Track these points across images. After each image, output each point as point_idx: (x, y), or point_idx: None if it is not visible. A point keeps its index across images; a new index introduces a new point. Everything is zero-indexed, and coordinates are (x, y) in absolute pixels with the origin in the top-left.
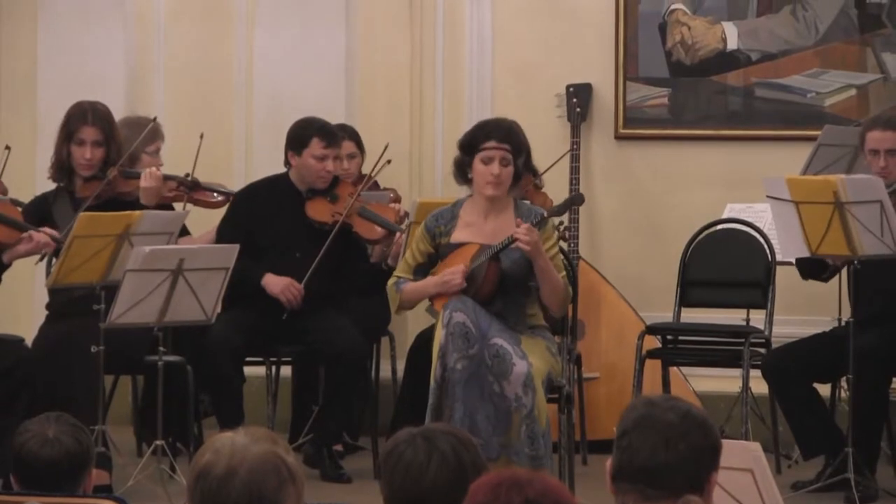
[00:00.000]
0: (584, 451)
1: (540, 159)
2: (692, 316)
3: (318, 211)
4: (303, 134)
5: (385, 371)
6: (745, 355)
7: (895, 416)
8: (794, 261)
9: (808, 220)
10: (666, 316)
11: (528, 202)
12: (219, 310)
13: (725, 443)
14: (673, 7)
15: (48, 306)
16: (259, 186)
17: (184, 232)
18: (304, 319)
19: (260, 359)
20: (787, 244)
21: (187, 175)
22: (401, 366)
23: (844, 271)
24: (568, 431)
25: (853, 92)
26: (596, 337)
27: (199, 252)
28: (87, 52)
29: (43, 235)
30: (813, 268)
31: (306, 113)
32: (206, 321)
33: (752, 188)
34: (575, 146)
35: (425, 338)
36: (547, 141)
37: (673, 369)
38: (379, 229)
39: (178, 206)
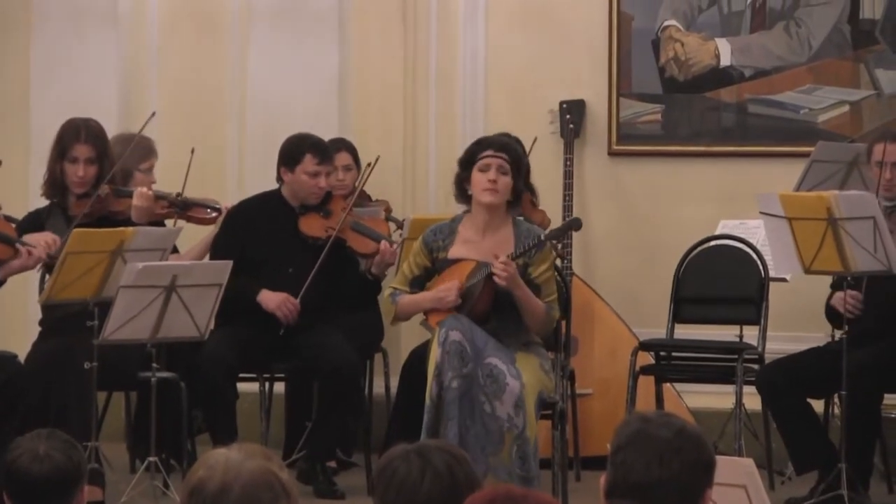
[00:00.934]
0: (577, 468)
1: (533, 176)
2: (685, 332)
3: (312, 226)
4: (296, 150)
5: (378, 387)
6: (738, 371)
7: (888, 432)
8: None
9: (801, 236)
10: (659, 332)
11: (523, 220)
12: (212, 326)
13: (719, 459)
14: (666, 23)
15: (41, 322)
16: (251, 203)
17: (173, 250)
18: (298, 336)
19: (253, 375)
20: (780, 260)
21: (178, 195)
22: (394, 382)
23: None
24: (561, 447)
25: (846, 108)
26: (589, 353)
27: (192, 268)
28: (81, 69)
29: (36, 250)
30: (837, 318)
31: (299, 129)
32: (200, 337)
33: (745, 204)
34: (568, 162)
35: (419, 354)
36: (540, 157)
37: (666, 385)
38: (372, 243)
39: (168, 223)
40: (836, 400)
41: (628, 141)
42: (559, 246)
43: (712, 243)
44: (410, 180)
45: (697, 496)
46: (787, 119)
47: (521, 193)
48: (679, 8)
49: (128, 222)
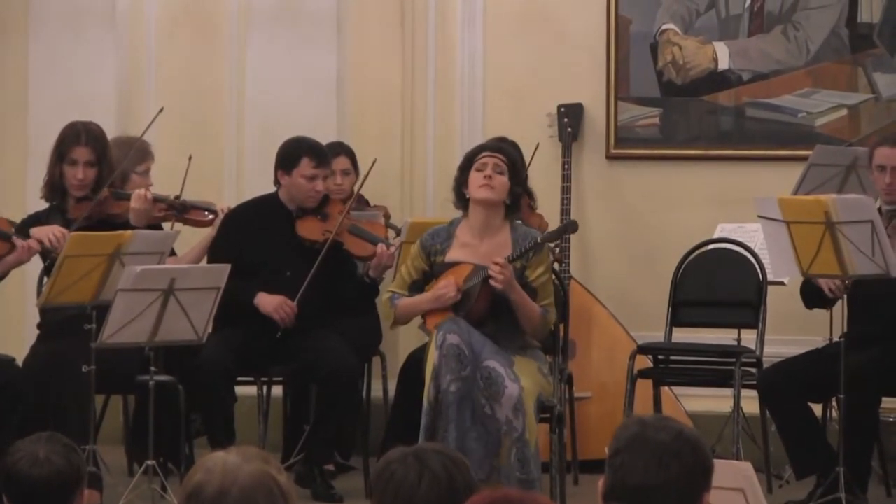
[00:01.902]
0: (575, 471)
1: (531, 179)
2: (683, 336)
3: (309, 229)
4: (293, 153)
5: (376, 391)
6: (736, 375)
7: (886, 436)
8: (799, 293)
9: (799, 239)
10: (657, 336)
11: (521, 224)
12: (210, 330)
13: (717, 463)
14: (664, 27)
15: (39, 326)
16: (249, 206)
17: (171, 253)
18: (296, 339)
19: (251, 379)
20: (778, 264)
21: (176, 197)
22: (392, 385)
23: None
24: (559, 451)
25: (844, 112)
26: (587, 357)
27: (190, 272)
28: (79, 72)
29: (31, 242)
30: (814, 297)
31: (297, 132)
32: (198, 341)
33: (743, 208)
34: (566, 166)
35: (417, 357)
36: (539, 161)
37: (664, 389)
38: (370, 246)
39: (166, 225)
40: (835, 403)
41: (626, 144)
42: (557, 250)
43: (710, 247)
44: (409, 184)
45: (696, 500)
46: (785, 123)
47: (519, 198)
48: (677, 12)
49: (126, 225)
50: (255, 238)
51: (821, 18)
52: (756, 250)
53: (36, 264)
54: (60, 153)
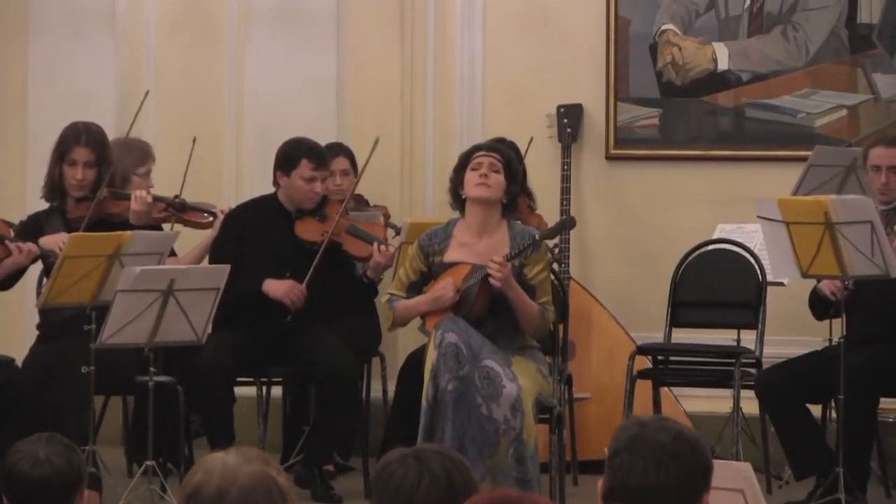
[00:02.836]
0: (574, 472)
1: (531, 180)
2: (683, 336)
3: (308, 230)
4: (292, 155)
5: (376, 391)
6: (735, 375)
7: (885, 436)
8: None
9: (798, 240)
10: (657, 336)
11: (518, 223)
12: (209, 330)
13: (716, 463)
14: (664, 28)
15: (39, 326)
16: (248, 207)
17: (170, 253)
18: (295, 340)
19: (251, 379)
20: (777, 265)
21: (176, 196)
22: (391, 386)
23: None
24: (559, 452)
25: (844, 112)
26: (587, 357)
27: (189, 272)
28: (78, 73)
29: (29, 244)
30: (821, 306)
31: (296, 133)
32: (197, 341)
33: (742, 209)
34: (566, 167)
35: (416, 358)
36: (538, 161)
37: (664, 389)
38: (368, 247)
39: (165, 226)
40: (834, 404)
41: (626, 145)
42: (556, 250)
43: (710, 247)
44: (408, 184)
45: (695, 500)
46: (784, 123)
47: (516, 197)
48: (677, 12)
49: (125, 225)
50: (254, 239)
51: (820, 19)
52: (756, 251)
53: (35, 264)
54: (60, 153)
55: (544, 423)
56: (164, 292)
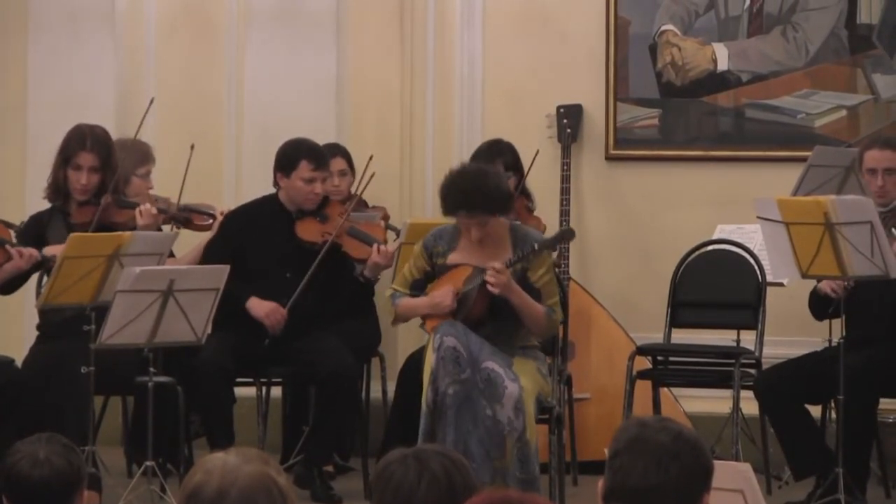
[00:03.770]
0: (574, 472)
1: (530, 180)
2: (683, 337)
3: (308, 231)
4: (292, 156)
5: (375, 392)
6: (735, 376)
7: (885, 437)
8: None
9: (798, 240)
10: (656, 337)
11: (520, 225)
12: (209, 331)
13: (716, 463)
14: (663, 28)
15: (39, 327)
16: (249, 208)
17: (169, 254)
18: (295, 340)
19: (250, 379)
20: (777, 265)
21: (178, 206)
22: (391, 387)
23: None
24: (558, 452)
25: (843, 113)
26: (586, 358)
27: (189, 273)
28: (78, 74)
29: (30, 249)
30: (821, 306)
31: (296, 134)
32: (197, 342)
33: (742, 209)
34: (565, 167)
35: (416, 359)
36: (538, 162)
37: (663, 390)
38: (368, 248)
39: (165, 227)
40: (833, 405)
41: (625, 145)
42: (554, 254)
43: (710, 248)
44: (407, 185)
45: (695, 501)
46: (784, 124)
47: (512, 196)
48: (676, 13)
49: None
50: (254, 239)
51: (820, 19)
52: (755, 251)
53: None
54: (65, 157)
55: (544, 423)
56: (163, 293)
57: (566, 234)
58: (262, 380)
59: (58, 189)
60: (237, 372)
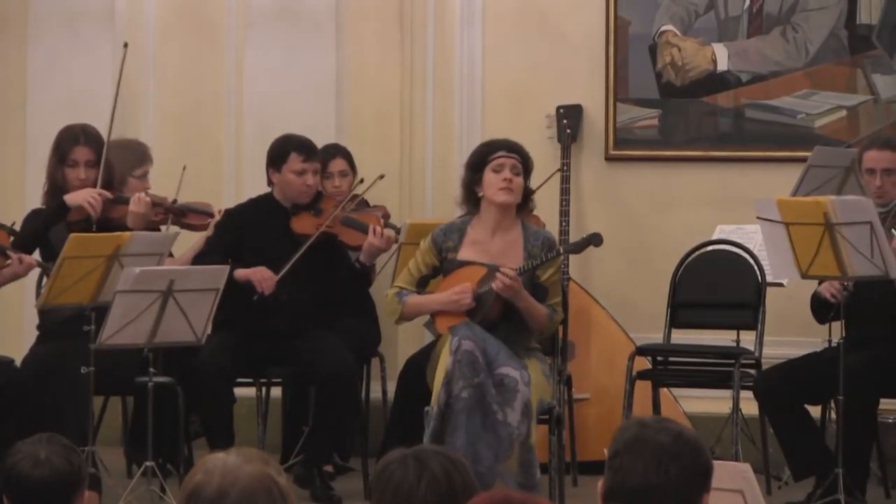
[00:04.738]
0: (574, 473)
1: (530, 180)
2: (682, 337)
3: (303, 224)
4: (281, 149)
5: (375, 392)
6: (735, 376)
7: (885, 437)
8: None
9: (798, 241)
10: (656, 337)
11: (528, 223)
12: (209, 331)
13: (716, 464)
14: (663, 28)
15: (39, 327)
16: (245, 206)
17: (169, 254)
18: (295, 340)
19: (250, 380)
20: (777, 265)
21: (174, 201)
22: (391, 387)
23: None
24: (558, 453)
25: (843, 113)
26: (586, 358)
27: (189, 273)
28: (77, 73)
29: (27, 257)
30: (823, 309)
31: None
32: (196, 342)
33: (742, 209)
34: (565, 167)
35: (416, 361)
36: (537, 162)
37: (663, 390)
38: (363, 235)
39: (163, 228)
40: (833, 405)
41: (625, 146)
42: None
43: (709, 248)
44: (407, 185)
45: (695, 501)
46: (784, 124)
47: (529, 196)
48: (676, 13)
49: (124, 229)
50: (251, 237)
51: (820, 20)
52: (755, 252)
53: None
54: (60, 156)
55: (544, 423)
56: (163, 293)
57: (594, 240)
58: (262, 380)
59: (56, 190)
60: (237, 372)
